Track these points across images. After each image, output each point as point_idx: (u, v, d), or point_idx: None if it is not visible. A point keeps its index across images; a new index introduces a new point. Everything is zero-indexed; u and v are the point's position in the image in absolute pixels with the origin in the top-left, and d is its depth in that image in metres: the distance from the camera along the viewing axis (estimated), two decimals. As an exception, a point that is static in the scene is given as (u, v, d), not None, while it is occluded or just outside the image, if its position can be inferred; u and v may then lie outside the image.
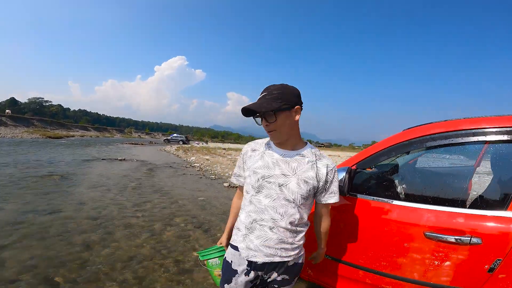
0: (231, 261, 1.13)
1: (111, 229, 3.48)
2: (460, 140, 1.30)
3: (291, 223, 1.06)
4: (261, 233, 1.07)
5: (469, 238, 1.14)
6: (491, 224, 1.13)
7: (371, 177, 1.60)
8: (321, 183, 1.09)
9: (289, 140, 1.09)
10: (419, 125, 1.46)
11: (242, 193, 1.24)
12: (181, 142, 42.90)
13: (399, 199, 1.38)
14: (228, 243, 1.24)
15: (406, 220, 1.30)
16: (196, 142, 54.78)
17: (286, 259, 1.09)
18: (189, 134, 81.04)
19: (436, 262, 1.21)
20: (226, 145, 44.85)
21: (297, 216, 1.07)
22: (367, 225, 1.40)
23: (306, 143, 1.15)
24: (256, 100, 1.04)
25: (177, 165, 11.92)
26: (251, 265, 1.09)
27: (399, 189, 1.58)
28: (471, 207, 1.22)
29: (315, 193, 1.12)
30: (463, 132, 1.30)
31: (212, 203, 5.23)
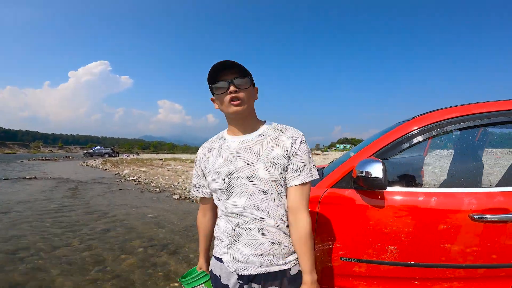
0: (219, 275, 0.97)
1: (42, 264, 2.63)
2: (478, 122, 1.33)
3: (281, 219, 0.92)
4: (249, 238, 0.91)
5: (517, 215, 1.14)
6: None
7: (395, 166, 1.52)
8: (288, 159, 0.91)
9: (248, 120, 0.96)
10: (440, 109, 1.45)
11: (207, 206, 1.10)
12: (106, 155, 38.34)
13: (433, 186, 1.33)
14: (208, 267, 1.11)
15: (448, 207, 1.25)
16: (126, 154, 49.41)
17: (285, 267, 0.91)
18: (115, 146, 72.74)
19: (488, 243, 1.19)
20: (162, 156, 41.79)
21: (283, 210, 0.92)
22: (407, 217, 1.29)
23: (265, 121, 1.02)
24: (212, 74, 0.90)
25: (108, 180, 10.40)
26: (243, 278, 0.92)
27: (428, 176, 1.55)
28: (509, 185, 1.24)
29: None
30: (479, 115, 1.33)
31: (167, 219, 4.57)
